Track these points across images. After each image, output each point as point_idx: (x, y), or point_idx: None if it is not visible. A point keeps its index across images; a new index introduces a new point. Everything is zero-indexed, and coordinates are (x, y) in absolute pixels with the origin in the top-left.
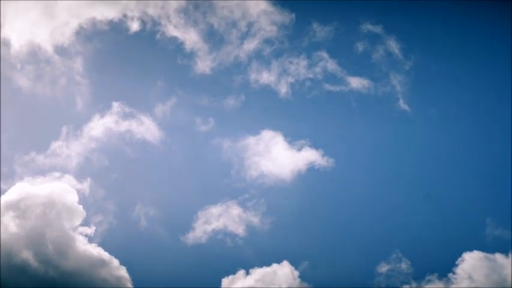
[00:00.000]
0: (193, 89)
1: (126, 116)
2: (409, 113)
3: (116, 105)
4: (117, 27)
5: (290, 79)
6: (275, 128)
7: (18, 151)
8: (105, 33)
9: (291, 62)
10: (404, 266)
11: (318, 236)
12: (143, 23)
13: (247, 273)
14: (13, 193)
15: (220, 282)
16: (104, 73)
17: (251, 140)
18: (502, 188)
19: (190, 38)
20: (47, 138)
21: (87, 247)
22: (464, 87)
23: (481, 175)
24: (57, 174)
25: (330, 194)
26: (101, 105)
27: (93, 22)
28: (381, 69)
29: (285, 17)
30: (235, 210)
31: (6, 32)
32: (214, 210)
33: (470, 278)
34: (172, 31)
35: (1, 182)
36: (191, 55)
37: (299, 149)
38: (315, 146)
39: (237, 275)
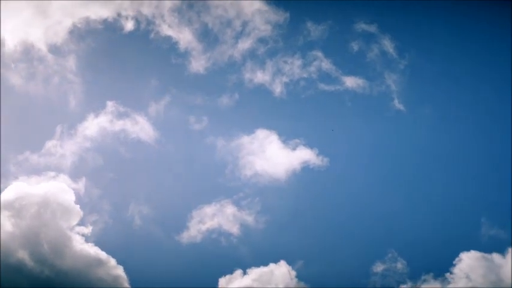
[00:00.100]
0: (187, 88)
1: (120, 115)
2: (404, 112)
3: (110, 105)
4: (111, 27)
5: (284, 79)
6: (269, 127)
7: (13, 150)
8: (99, 32)
9: (285, 62)
10: (399, 265)
11: (313, 236)
12: (137, 22)
13: (245, 273)
14: (9, 192)
15: (217, 281)
16: (98, 72)
17: (245, 139)
18: (499, 188)
19: (185, 37)
20: (41, 138)
21: (84, 246)
22: (459, 86)
23: (478, 175)
24: (52, 173)
25: (324, 193)
26: (95, 105)
27: (87, 21)
28: (376, 69)
29: (279, 16)
30: (230, 210)
31: (0, 31)
32: (209, 209)
33: (467, 277)
34: (166, 30)
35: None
36: (185, 54)
37: (294, 148)
38: (309, 145)
39: (234, 274)
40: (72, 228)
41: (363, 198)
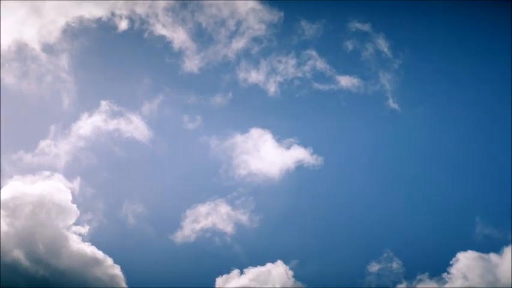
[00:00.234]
0: (181, 87)
1: (114, 115)
2: (399, 111)
3: (104, 104)
4: (105, 26)
5: (279, 78)
6: (264, 126)
7: (6, 150)
8: (93, 31)
9: (279, 61)
10: (395, 265)
11: (309, 235)
12: (131, 21)
13: (242, 272)
14: (4, 192)
15: (214, 281)
16: (92, 71)
17: (239, 138)
18: (496, 188)
19: (179, 36)
20: (35, 137)
21: (80, 246)
22: (455, 85)
23: (474, 174)
24: (46, 173)
25: (319, 193)
26: (89, 104)
27: (81, 20)
28: (370, 68)
29: (273, 15)
30: (224, 209)
31: None
32: (203, 208)
33: (464, 277)
34: (160, 30)
35: None
36: (179, 54)
37: (288, 147)
38: (304, 144)
39: (231, 274)
40: (68, 228)
41: (358, 197)
